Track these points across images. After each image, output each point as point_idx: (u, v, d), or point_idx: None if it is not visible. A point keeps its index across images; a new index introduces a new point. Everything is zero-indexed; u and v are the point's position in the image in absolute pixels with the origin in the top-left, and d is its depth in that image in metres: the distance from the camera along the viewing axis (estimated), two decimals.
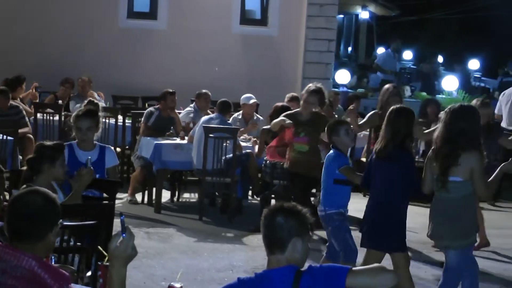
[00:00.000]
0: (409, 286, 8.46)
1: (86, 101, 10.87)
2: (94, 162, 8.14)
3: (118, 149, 14.44)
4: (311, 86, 11.32)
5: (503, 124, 14.62)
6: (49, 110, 14.78)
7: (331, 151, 9.00)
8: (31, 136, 13.58)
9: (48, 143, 7.59)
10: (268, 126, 11.95)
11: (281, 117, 11.18)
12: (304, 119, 11.11)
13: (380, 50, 33.93)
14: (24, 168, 7.76)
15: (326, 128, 9.24)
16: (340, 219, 8.84)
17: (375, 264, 4.78)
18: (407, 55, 33.62)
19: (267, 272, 4.68)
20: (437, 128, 11.02)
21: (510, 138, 11.50)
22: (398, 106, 8.88)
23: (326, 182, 8.96)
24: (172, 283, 4.94)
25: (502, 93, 16.19)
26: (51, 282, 4.16)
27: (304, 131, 11.01)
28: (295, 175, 11.21)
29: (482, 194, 8.25)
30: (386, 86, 11.87)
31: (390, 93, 11.38)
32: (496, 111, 15.38)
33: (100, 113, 9.11)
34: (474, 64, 30.18)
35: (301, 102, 11.37)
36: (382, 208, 8.39)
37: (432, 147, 8.14)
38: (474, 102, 10.65)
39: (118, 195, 12.44)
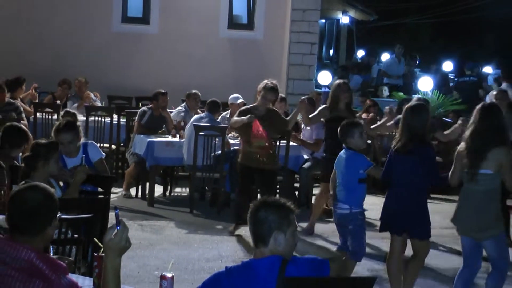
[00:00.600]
0: (416, 272, 8.59)
1: (62, 112, 10.91)
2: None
3: (113, 147, 14.53)
4: (268, 83, 11.03)
5: None
6: (47, 109, 14.73)
7: (347, 151, 8.83)
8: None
9: (43, 141, 7.57)
10: None
11: (235, 116, 11.06)
12: (261, 114, 10.85)
13: (360, 53, 33.96)
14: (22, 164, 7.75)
15: (339, 129, 9.01)
16: (362, 219, 8.79)
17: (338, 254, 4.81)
18: (385, 57, 33.54)
19: (253, 261, 4.67)
20: (385, 122, 11.32)
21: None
22: (412, 103, 8.93)
23: (350, 182, 8.74)
24: (164, 273, 4.92)
25: None
26: (49, 272, 4.14)
27: (263, 126, 10.75)
28: (252, 169, 10.96)
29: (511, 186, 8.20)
30: (337, 82, 11.70)
31: (341, 89, 11.18)
32: None
33: (78, 122, 9.13)
34: (448, 66, 30.15)
35: (259, 97, 11.05)
36: (406, 197, 8.38)
37: (462, 143, 8.11)
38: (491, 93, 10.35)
39: (114, 189, 12.48)
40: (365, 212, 8.85)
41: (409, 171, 8.33)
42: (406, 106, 8.65)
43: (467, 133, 8.02)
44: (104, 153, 9.34)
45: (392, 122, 11.11)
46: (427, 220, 8.47)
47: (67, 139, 8.43)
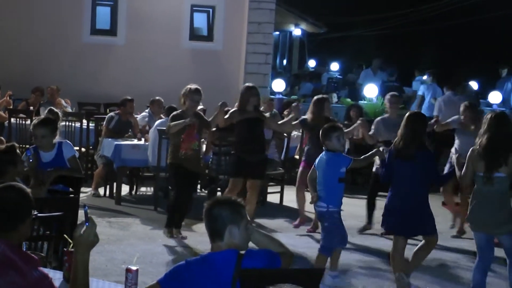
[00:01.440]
0: (424, 257, 8.85)
1: (47, 110, 10.85)
2: (55, 158, 8.30)
3: (83, 149, 14.44)
4: (192, 85, 10.76)
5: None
6: (21, 115, 14.64)
7: (327, 153, 8.81)
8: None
9: (2, 148, 7.47)
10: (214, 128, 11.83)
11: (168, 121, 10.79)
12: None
13: (311, 63, 34.02)
14: None
15: (320, 132, 9.00)
16: (338, 218, 8.80)
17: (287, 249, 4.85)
18: (334, 66, 33.70)
19: (211, 254, 4.67)
20: (356, 128, 11.30)
21: None
22: (413, 111, 9.18)
23: (330, 181, 8.73)
24: (129, 266, 4.88)
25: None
26: (21, 264, 4.09)
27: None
28: (187, 171, 10.57)
29: None
30: (247, 85, 11.43)
31: (251, 92, 10.98)
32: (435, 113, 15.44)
33: (60, 121, 9.07)
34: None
35: (187, 101, 10.63)
36: (410, 199, 8.48)
37: (472, 148, 8.17)
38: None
39: (83, 189, 12.53)
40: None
41: (413, 175, 8.42)
42: (408, 113, 8.76)
43: (483, 139, 8.03)
44: (77, 152, 9.29)
45: (297, 121, 11.43)
46: (432, 217, 8.62)
47: (41, 134, 8.39)
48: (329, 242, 8.73)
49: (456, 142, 11.87)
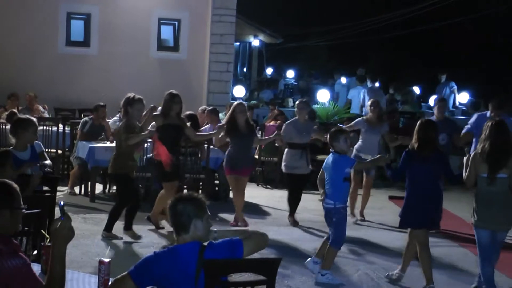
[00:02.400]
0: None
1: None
2: (31, 155, 8.39)
3: (60, 151, 14.36)
4: (134, 95, 10.20)
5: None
6: (1, 120, 14.42)
7: (333, 155, 8.76)
8: None
9: None
10: None
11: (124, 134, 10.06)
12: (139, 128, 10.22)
13: (269, 70, 34.09)
14: None
15: (328, 135, 8.97)
16: (344, 213, 8.78)
17: (255, 231, 4.82)
18: (290, 74, 33.79)
19: (176, 246, 4.67)
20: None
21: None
22: (425, 119, 9.22)
23: (336, 181, 8.69)
24: (102, 258, 4.85)
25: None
26: (3, 248, 3.98)
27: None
28: (132, 179, 10.31)
29: None
30: (171, 92, 10.84)
31: (174, 100, 10.66)
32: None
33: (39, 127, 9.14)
34: (342, 80, 30.47)
35: (130, 110, 10.08)
36: (428, 196, 8.54)
37: (475, 152, 8.34)
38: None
39: (60, 188, 12.45)
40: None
41: (429, 174, 8.52)
42: (420, 121, 8.85)
43: (486, 145, 8.15)
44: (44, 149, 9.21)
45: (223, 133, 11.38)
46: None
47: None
48: (339, 236, 8.71)
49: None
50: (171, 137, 10.67)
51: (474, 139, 11.24)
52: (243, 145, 11.29)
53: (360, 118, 12.74)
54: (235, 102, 11.83)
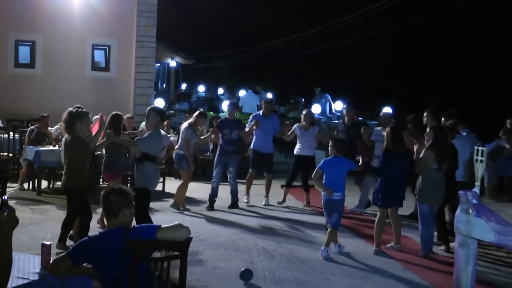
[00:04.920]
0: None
1: None
2: None
3: (11, 154, 14.03)
4: (76, 110, 8.57)
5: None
6: None
7: (334, 158, 8.86)
8: None
9: None
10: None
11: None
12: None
13: (184, 86, 34.01)
14: None
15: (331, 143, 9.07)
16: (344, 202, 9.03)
17: (176, 223, 4.81)
18: (201, 88, 33.83)
19: (107, 231, 4.65)
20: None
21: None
22: (392, 126, 9.48)
23: (341, 177, 8.80)
24: (44, 242, 4.78)
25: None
26: None
27: None
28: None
29: None
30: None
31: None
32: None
33: None
34: (242, 93, 30.74)
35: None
36: (399, 183, 9.03)
37: (426, 148, 8.98)
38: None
39: (12, 185, 12.16)
40: None
41: (401, 166, 8.96)
42: (389, 127, 9.32)
43: (430, 143, 8.94)
44: None
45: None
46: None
47: None
48: (339, 220, 8.89)
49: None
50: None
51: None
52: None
53: (296, 125, 12.69)
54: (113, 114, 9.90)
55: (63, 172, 8.60)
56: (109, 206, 4.72)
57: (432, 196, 8.90)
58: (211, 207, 11.78)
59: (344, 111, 12.74)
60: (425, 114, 10.49)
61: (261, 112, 12.80)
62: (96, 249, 4.50)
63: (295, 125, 12.62)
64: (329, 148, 9.03)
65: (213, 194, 11.87)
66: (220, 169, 11.91)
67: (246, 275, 7.36)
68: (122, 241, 4.49)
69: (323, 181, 8.79)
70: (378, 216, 9.15)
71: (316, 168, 8.90)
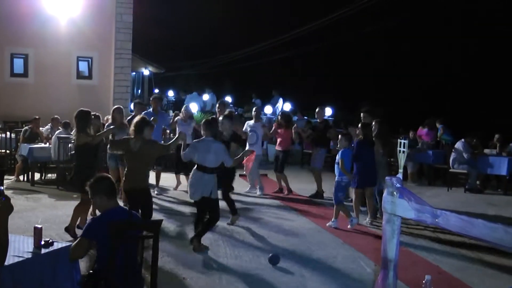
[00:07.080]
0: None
1: None
2: None
3: (8, 151, 13.80)
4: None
5: None
6: None
7: (344, 150, 9.17)
8: None
9: None
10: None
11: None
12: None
13: (156, 91, 33.72)
14: None
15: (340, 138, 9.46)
16: None
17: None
18: (170, 93, 33.58)
19: (113, 208, 4.66)
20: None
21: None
22: (363, 122, 9.81)
23: (348, 165, 9.17)
24: (35, 225, 4.75)
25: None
26: None
27: None
28: None
29: None
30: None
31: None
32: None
33: None
34: (206, 97, 30.67)
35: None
36: (372, 168, 9.39)
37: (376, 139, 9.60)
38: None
39: (9, 177, 11.95)
40: None
41: (372, 154, 9.42)
42: (363, 123, 9.67)
43: (376, 133, 9.61)
44: None
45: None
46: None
47: None
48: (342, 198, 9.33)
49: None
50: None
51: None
52: None
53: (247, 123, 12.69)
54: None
55: (136, 175, 6.95)
56: (111, 188, 4.70)
57: (372, 178, 9.56)
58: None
59: (316, 112, 12.66)
60: (362, 114, 10.68)
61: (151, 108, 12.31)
62: (100, 227, 4.46)
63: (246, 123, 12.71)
64: (339, 141, 9.39)
65: None
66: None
67: (273, 259, 7.01)
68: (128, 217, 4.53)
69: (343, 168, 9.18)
70: (354, 196, 9.65)
71: (341, 159, 9.14)
